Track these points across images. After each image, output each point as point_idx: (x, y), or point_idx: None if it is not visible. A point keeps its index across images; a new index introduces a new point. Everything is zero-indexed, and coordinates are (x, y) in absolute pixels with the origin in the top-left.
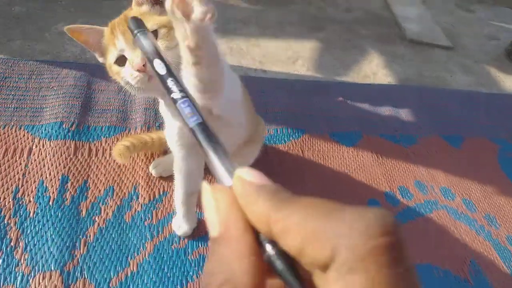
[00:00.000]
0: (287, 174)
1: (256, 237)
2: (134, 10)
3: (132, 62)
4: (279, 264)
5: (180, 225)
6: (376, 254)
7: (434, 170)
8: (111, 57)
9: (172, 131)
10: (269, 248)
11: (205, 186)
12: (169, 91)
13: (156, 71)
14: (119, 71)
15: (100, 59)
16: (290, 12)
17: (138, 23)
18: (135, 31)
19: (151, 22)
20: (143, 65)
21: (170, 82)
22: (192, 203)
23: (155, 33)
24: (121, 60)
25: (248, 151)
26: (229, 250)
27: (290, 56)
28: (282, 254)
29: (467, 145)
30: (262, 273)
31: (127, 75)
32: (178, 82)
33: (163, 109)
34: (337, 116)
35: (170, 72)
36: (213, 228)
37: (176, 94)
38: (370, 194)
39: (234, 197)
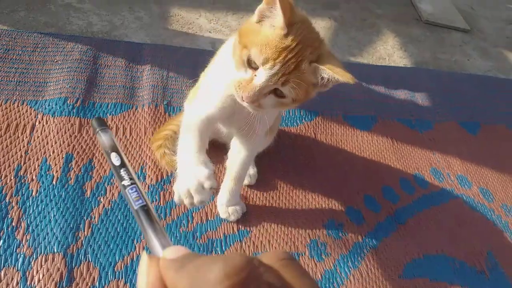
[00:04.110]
0: (299, 158)
1: None
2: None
3: (245, 89)
4: None
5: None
6: None
7: (451, 157)
8: (248, 54)
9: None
10: None
11: (144, 256)
12: (121, 179)
13: (111, 162)
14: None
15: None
16: None
17: (101, 122)
18: (97, 129)
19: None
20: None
21: (122, 172)
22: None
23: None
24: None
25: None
26: None
27: None
28: None
29: (484, 132)
30: None
31: (235, 83)
32: (129, 172)
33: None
34: (351, 98)
35: (123, 164)
36: None
37: (126, 182)
38: (385, 181)
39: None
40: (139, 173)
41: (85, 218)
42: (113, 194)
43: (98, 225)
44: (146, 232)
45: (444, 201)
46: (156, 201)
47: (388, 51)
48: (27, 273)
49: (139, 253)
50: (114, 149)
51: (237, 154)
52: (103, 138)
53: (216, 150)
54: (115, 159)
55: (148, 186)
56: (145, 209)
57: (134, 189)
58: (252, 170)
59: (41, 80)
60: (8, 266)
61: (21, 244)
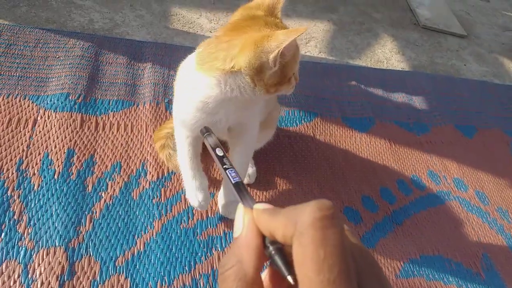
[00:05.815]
0: (298, 158)
1: (263, 241)
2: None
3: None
4: (273, 255)
5: (196, 194)
6: (314, 223)
7: (447, 160)
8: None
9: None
10: (270, 247)
11: (240, 206)
12: (223, 164)
13: (216, 154)
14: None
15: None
16: None
17: (207, 129)
18: (205, 133)
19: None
20: None
21: (225, 160)
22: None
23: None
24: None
25: (261, 135)
26: (243, 243)
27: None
28: (278, 251)
29: (480, 136)
30: (262, 261)
31: (290, 87)
32: (228, 159)
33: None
34: (350, 100)
35: (224, 155)
36: (237, 231)
37: (227, 166)
38: (382, 182)
39: (253, 216)
40: (140, 169)
41: (86, 212)
42: (114, 190)
43: (100, 220)
44: (240, 197)
45: (440, 203)
46: (157, 197)
47: (386, 55)
48: (28, 266)
49: (140, 248)
50: (218, 145)
51: (235, 152)
52: (210, 140)
53: None
54: (219, 152)
55: (149, 182)
56: (240, 183)
57: (233, 171)
58: (251, 169)
59: (43, 76)
60: (10, 259)
61: (23, 237)
